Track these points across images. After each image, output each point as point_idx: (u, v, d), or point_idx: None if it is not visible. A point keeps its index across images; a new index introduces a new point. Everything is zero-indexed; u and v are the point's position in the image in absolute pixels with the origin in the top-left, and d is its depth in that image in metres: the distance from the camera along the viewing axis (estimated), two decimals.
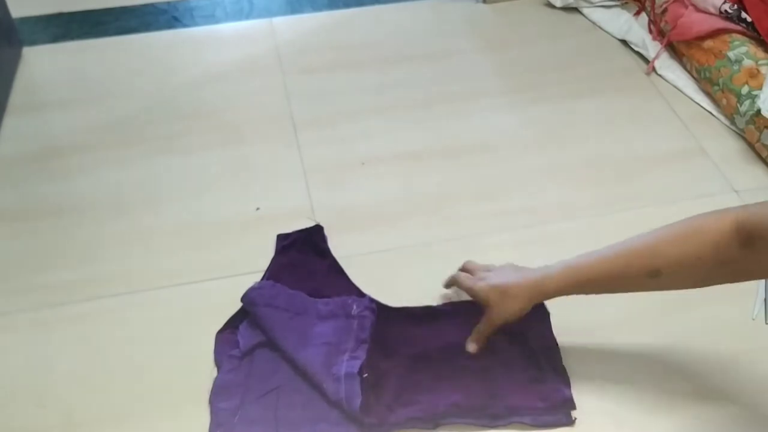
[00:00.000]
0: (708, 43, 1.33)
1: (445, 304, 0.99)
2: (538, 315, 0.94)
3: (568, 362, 0.92)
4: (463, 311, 0.95)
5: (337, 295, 0.96)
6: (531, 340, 0.92)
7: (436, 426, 0.85)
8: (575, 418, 0.86)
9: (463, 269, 0.97)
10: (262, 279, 1.00)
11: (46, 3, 1.57)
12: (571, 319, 0.95)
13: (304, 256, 1.04)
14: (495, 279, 0.90)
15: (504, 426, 0.85)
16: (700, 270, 0.75)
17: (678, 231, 0.77)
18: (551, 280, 0.84)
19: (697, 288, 0.79)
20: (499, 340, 0.91)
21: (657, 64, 1.41)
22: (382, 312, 0.95)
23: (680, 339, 0.95)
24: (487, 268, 0.94)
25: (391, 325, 0.94)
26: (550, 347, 0.92)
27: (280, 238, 1.06)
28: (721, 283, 0.76)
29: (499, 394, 0.87)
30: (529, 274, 0.87)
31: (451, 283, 0.99)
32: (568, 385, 0.88)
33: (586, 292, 0.84)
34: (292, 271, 1.01)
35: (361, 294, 0.98)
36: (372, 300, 0.95)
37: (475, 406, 0.86)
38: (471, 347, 0.91)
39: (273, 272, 1.01)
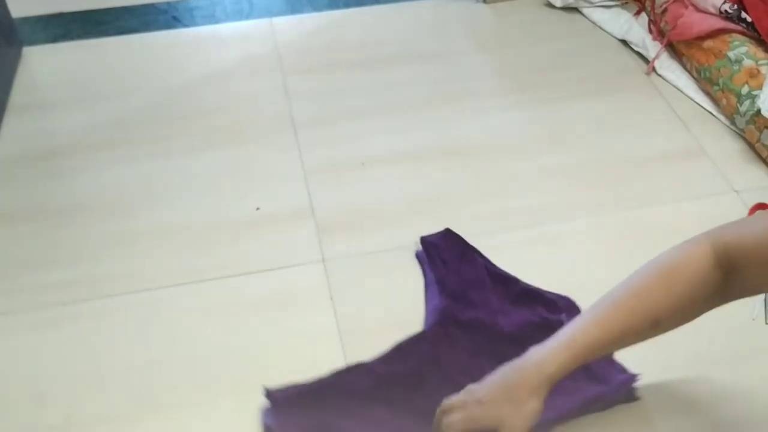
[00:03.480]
0: (708, 43, 1.33)
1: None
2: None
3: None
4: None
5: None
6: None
7: None
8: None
9: (444, 410, 0.76)
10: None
11: (46, 3, 1.57)
12: None
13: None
14: (489, 390, 0.74)
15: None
16: (696, 308, 0.74)
17: (662, 278, 0.73)
18: (558, 361, 0.72)
19: (695, 318, 0.77)
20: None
21: (657, 64, 1.41)
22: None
23: (679, 339, 0.95)
24: (468, 392, 0.75)
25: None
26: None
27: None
28: (714, 308, 0.75)
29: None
30: (524, 364, 0.73)
31: None
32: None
33: (593, 359, 0.75)
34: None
35: None
36: None
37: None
38: None
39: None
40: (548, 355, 0.72)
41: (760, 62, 1.24)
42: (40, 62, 1.42)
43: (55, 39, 1.48)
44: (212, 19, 1.55)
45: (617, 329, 0.73)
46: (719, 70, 1.29)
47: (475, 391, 0.74)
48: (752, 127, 1.22)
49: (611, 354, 0.83)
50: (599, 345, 0.73)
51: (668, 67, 1.41)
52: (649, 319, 0.73)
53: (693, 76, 1.38)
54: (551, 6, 1.57)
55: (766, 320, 0.98)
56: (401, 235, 1.09)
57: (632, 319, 0.73)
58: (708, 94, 1.34)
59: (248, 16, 1.56)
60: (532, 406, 0.71)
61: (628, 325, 0.73)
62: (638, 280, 0.75)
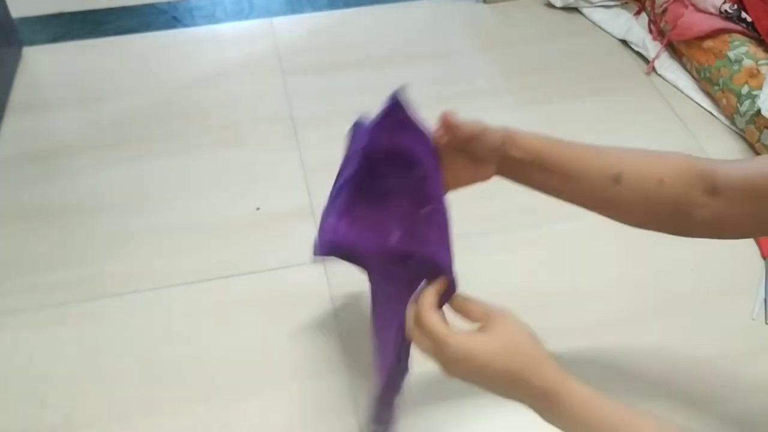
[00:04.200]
0: (708, 43, 1.33)
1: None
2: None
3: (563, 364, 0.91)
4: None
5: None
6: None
7: None
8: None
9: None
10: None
11: (46, 3, 1.57)
12: (566, 320, 0.95)
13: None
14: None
15: None
16: (658, 197, 0.71)
17: (648, 152, 0.74)
18: (521, 134, 0.75)
19: (649, 227, 0.75)
20: None
21: (657, 64, 1.41)
22: None
23: (679, 339, 0.95)
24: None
25: None
26: None
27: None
28: (670, 230, 0.73)
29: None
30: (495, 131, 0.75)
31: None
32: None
33: (543, 176, 0.75)
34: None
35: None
36: None
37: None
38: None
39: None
40: (521, 131, 0.75)
41: (760, 62, 1.24)
42: (40, 62, 1.42)
43: (55, 39, 1.48)
44: (212, 19, 1.55)
45: (582, 154, 0.74)
46: (719, 70, 1.29)
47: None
48: (752, 127, 1.22)
49: (572, 188, 0.75)
50: (563, 153, 0.75)
51: (668, 67, 1.41)
52: (613, 167, 0.72)
53: (693, 76, 1.38)
54: (551, 6, 1.57)
55: (766, 320, 0.98)
56: None
57: (599, 157, 0.74)
58: (708, 94, 1.34)
59: (248, 16, 1.56)
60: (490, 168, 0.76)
61: (593, 158, 0.74)
62: (625, 146, 0.75)
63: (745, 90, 1.23)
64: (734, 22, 1.33)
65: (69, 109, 1.31)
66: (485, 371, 0.65)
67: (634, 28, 1.48)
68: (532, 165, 0.74)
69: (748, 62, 1.25)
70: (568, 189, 0.76)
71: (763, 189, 0.67)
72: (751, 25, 1.31)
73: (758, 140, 1.21)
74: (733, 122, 1.28)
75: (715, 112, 1.31)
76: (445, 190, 0.74)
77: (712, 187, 0.69)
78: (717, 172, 0.70)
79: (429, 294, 0.69)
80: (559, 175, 0.75)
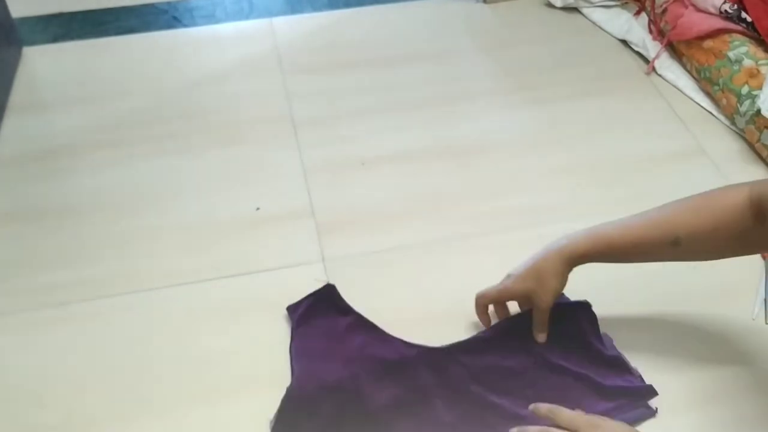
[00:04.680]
0: (708, 43, 1.33)
1: (489, 329, 0.93)
2: (588, 316, 0.92)
3: None
4: (509, 329, 0.92)
5: (379, 351, 0.90)
6: (588, 342, 0.91)
7: None
8: (656, 409, 0.86)
9: (482, 299, 0.92)
10: (291, 363, 0.91)
11: (46, 3, 1.57)
12: None
13: (326, 320, 0.94)
14: (520, 269, 0.88)
15: None
16: (717, 240, 0.78)
17: (695, 203, 0.80)
18: (577, 246, 0.84)
19: (714, 259, 0.83)
20: (558, 353, 0.90)
21: (657, 64, 1.41)
22: (434, 355, 0.90)
23: (679, 339, 0.95)
24: (506, 276, 0.91)
25: (453, 365, 0.90)
26: (607, 347, 0.91)
27: (291, 309, 0.96)
28: (736, 255, 0.81)
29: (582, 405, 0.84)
30: (551, 246, 0.86)
31: (483, 303, 0.92)
32: (638, 377, 0.89)
33: (611, 260, 0.85)
34: (320, 339, 0.92)
35: (406, 343, 0.92)
36: (420, 347, 0.91)
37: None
38: (540, 338, 0.89)
39: (299, 349, 0.92)
40: (570, 241, 0.85)
41: (760, 62, 1.24)
42: (40, 62, 1.42)
43: (55, 39, 1.48)
44: (212, 19, 1.55)
45: (637, 234, 0.82)
46: (719, 70, 1.29)
47: (510, 273, 0.89)
48: (752, 127, 1.22)
49: (637, 261, 0.86)
50: (618, 243, 0.82)
51: (668, 67, 1.41)
52: (668, 234, 0.79)
53: (693, 76, 1.38)
54: (551, 6, 1.57)
55: (766, 320, 0.97)
56: (401, 235, 1.09)
57: (653, 230, 0.81)
58: (708, 94, 1.34)
59: (248, 16, 1.56)
60: (554, 285, 0.85)
61: (648, 233, 0.81)
62: (672, 203, 0.82)
63: (745, 90, 1.23)
64: (734, 22, 1.33)
65: (69, 109, 1.31)
66: None
67: (634, 28, 1.48)
68: (596, 260, 0.85)
69: (748, 62, 1.25)
70: (637, 262, 0.86)
71: None
72: (751, 25, 1.31)
73: (758, 140, 1.21)
74: (733, 122, 1.28)
75: (715, 112, 1.31)
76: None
77: (760, 213, 0.74)
78: (762, 198, 0.74)
79: None
80: (624, 258, 0.86)
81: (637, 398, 0.86)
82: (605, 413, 0.83)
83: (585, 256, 0.85)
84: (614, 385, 0.87)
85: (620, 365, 0.89)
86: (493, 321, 0.94)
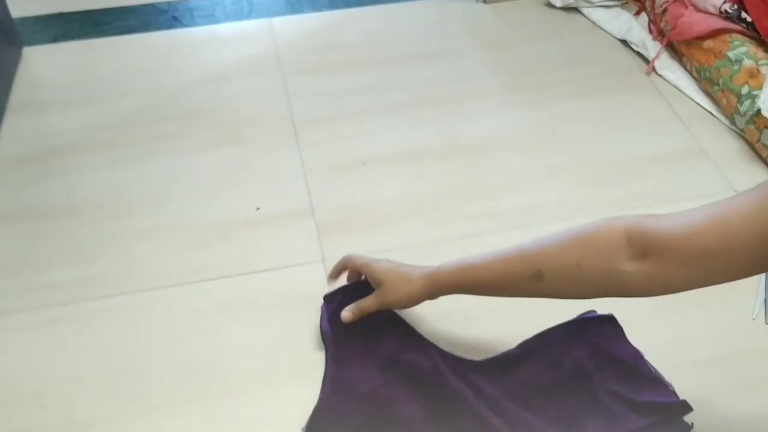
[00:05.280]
0: (708, 43, 1.33)
1: (518, 347, 0.92)
2: (614, 329, 0.92)
3: None
4: (540, 346, 0.91)
5: (414, 359, 0.90)
6: (620, 360, 0.90)
7: None
8: (692, 424, 0.84)
9: (348, 261, 0.93)
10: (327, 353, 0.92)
11: (46, 3, 1.57)
12: (564, 320, 0.95)
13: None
14: (396, 263, 0.89)
15: None
16: (581, 277, 0.72)
17: (566, 238, 0.75)
18: (443, 275, 0.84)
19: (584, 298, 0.78)
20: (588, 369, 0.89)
21: (657, 64, 1.41)
22: (468, 367, 0.90)
23: (679, 339, 0.95)
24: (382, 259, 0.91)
25: (487, 380, 0.89)
26: (638, 360, 0.90)
27: (327, 298, 0.96)
28: (609, 295, 0.73)
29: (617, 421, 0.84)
30: (425, 267, 0.86)
31: (340, 270, 0.95)
32: (672, 392, 0.87)
33: (477, 293, 0.83)
34: (358, 335, 0.92)
35: (440, 351, 0.92)
36: (454, 357, 0.92)
37: None
38: (347, 316, 0.89)
39: (335, 349, 0.91)
40: (442, 265, 0.84)
41: (760, 62, 1.24)
42: (40, 62, 1.42)
43: (55, 39, 1.48)
44: (212, 19, 1.55)
45: (500, 267, 0.79)
46: (719, 70, 1.29)
47: (387, 259, 0.90)
48: (752, 127, 1.22)
49: (502, 295, 0.82)
50: (480, 274, 0.80)
51: (668, 67, 1.41)
52: (530, 268, 0.76)
53: (693, 76, 1.38)
54: (551, 6, 1.57)
55: (766, 320, 0.98)
56: (401, 235, 1.09)
57: (517, 263, 0.77)
58: (708, 94, 1.34)
59: (248, 16, 1.56)
60: (413, 292, 0.85)
61: (511, 267, 0.78)
62: (548, 236, 0.77)
63: (745, 90, 1.23)
64: (734, 22, 1.33)
65: (69, 109, 1.31)
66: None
67: (634, 28, 1.48)
68: (461, 291, 0.84)
69: (748, 62, 1.25)
70: (500, 296, 0.82)
71: (692, 249, 0.65)
72: (751, 25, 1.31)
73: (758, 140, 1.21)
74: (733, 122, 1.28)
75: (715, 112, 1.31)
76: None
77: (641, 251, 0.68)
78: (646, 235, 0.68)
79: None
80: (491, 292, 0.82)
81: (671, 414, 0.84)
82: (639, 431, 0.82)
83: (449, 285, 0.83)
84: (648, 401, 0.85)
85: (653, 380, 0.88)
86: (340, 283, 0.96)
